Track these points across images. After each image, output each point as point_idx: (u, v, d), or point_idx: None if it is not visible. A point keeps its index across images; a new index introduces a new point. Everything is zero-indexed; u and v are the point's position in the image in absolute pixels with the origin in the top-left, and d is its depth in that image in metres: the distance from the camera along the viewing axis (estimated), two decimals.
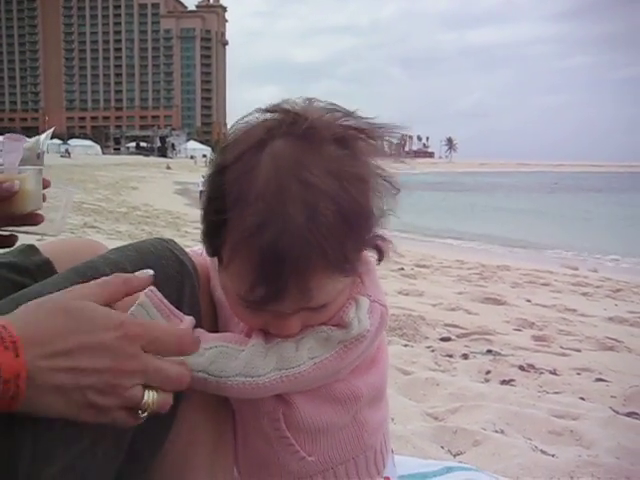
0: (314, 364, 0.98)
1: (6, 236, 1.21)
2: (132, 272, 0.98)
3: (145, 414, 0.86)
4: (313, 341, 0.99)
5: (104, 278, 0.91)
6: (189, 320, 0.99)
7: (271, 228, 0.86)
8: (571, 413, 2.85)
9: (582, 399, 3.15)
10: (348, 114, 0.99)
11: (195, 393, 1.00)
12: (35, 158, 1.18)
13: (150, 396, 0.86)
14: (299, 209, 0.87)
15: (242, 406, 1.10)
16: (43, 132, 1.28)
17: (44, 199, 1.20)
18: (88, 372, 0.81)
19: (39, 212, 1.18)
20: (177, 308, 1.01)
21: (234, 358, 0.97)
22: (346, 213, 0.90)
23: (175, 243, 1.14)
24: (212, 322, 1.12)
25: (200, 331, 1.01)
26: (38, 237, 1.27)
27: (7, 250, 1.20)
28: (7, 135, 1.17)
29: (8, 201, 1.12)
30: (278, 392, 1.00)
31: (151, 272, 0.96)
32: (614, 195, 42.46)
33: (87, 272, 0.99)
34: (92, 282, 0.90)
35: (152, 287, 0.98)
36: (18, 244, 1.20)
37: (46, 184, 1.19)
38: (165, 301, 0.99)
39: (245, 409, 1.10)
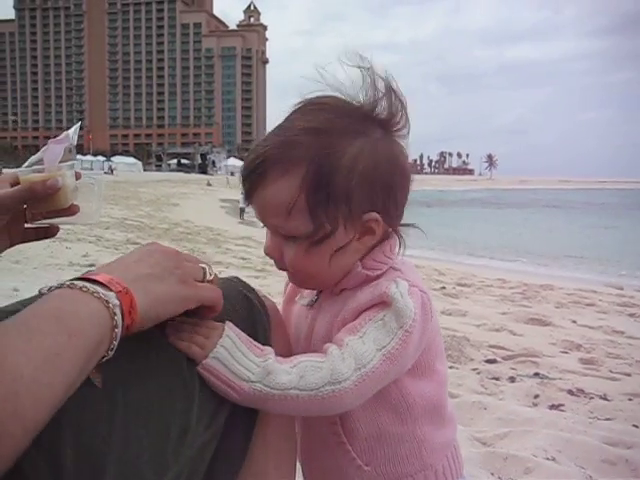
0: (382, 355, 1.00)
1: (48, 227, 1.26)
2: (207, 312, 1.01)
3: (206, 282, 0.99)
4: (375, 331, 1.02)
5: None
6: (269, 350, 1.03)
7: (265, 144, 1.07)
8: (625, 441, 2.77)
9: (635, 426, 3.07)
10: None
11: (268, 421, 1.03)
12: (67, 153, 1.21)
13: (208, 271, 1.01)
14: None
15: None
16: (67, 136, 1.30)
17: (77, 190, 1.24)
18: (167, 261, 0.96)
19: (75, 203, 1.22)
20: None
21: (319, 369, 1.00)
22: (329, 172, 1.02)
23: (242, 281, 1.16)
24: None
25: (280, 359, 1.03)
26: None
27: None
28: (51, 140, 1.21)
29: (51, 197, 1.16)
30: (363, 397, 1.02)
31: None
32: None
33: None
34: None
35: (228, 322, 1.03)
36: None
37: (78, 176, 1.23)
38: (242, 333, 1.04)
39: (310, 417, 1.14)
